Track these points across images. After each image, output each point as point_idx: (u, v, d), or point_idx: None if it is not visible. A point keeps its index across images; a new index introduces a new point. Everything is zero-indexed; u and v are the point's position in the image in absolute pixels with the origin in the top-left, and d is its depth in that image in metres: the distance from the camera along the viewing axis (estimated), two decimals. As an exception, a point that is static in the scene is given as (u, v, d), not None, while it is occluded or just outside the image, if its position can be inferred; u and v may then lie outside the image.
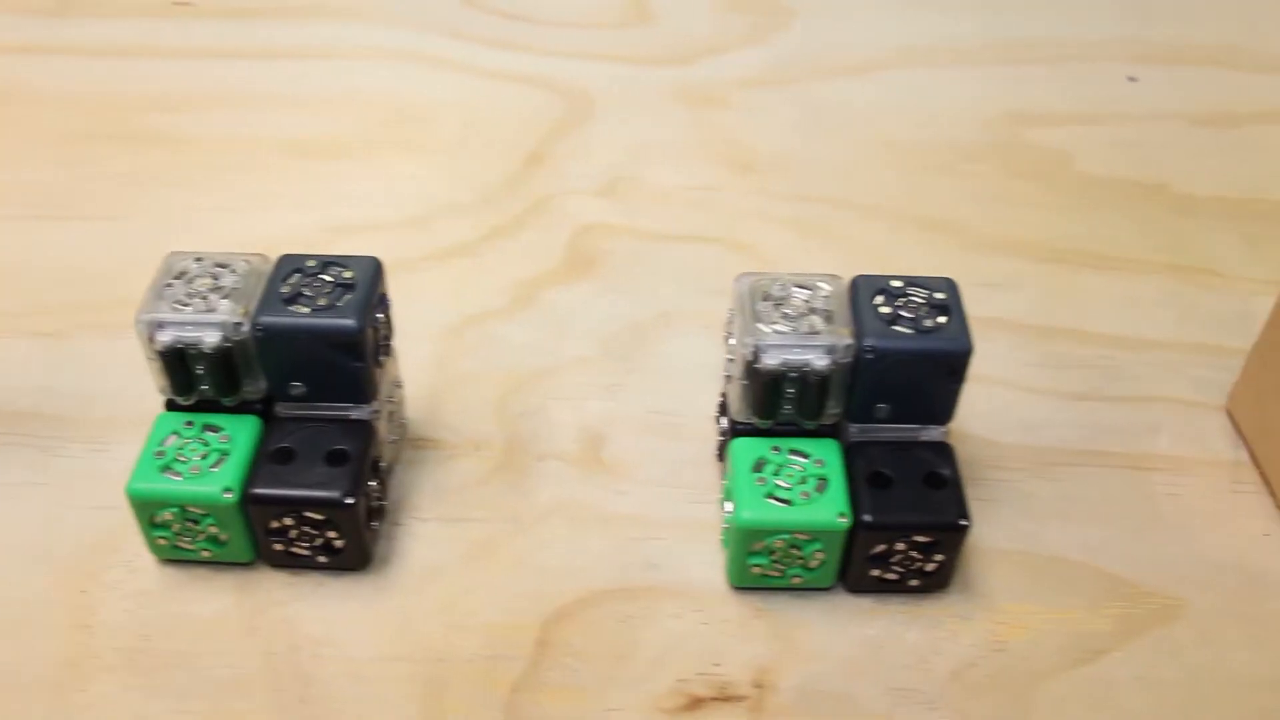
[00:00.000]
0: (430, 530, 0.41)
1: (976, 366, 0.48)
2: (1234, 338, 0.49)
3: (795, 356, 0.38)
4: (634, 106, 0.59)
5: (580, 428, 0.45)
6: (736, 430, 0.40)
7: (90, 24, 0.65)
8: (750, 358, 0.38)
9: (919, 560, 0.39)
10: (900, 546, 0.38)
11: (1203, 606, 0.41)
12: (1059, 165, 0.57)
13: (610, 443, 0.44)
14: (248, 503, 0.38)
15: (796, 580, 0.39)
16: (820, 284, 0.40)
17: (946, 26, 0.66)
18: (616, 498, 0.43)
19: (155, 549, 0.40)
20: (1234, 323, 0.50)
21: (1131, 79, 0.61)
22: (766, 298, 0.39)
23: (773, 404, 0.39)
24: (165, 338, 0.38)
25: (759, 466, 0.39)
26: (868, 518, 0.38)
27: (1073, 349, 0.49)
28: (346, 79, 0.61)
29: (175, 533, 0.39)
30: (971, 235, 0.54)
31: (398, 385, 0.43)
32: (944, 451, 0.40)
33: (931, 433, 0.40)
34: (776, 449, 0.39)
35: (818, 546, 0.38)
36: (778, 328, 0.38)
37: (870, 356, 0.38)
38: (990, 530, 0.42)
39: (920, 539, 0.38)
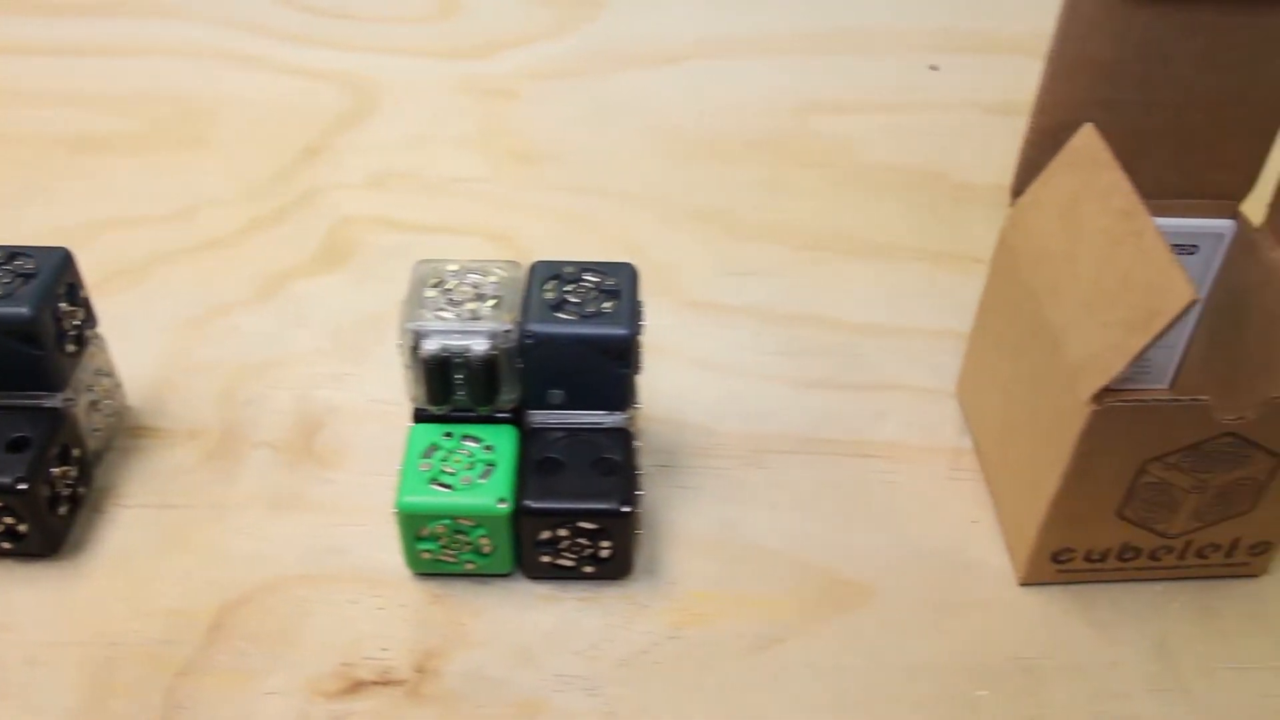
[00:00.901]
0: (130, 516, 0.42)
1: (709, 355, 0.48)
2: (984, 325, 0.49)
3: (455, 342, 0.38)
4: (422, 100, 0.60)
5: (299, 416, 0.45)
6: (418, 416, 0.40)
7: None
8: (411, 343, 0.38)
9: (589, 547, 0.39)
10: (564, 533, 0.38)
11: (894, 594, 0.41)
12: (841, 154, 0.57)
13: (325, 431, 0.44)
14: (-74, 490, 0.39)
15: (470, 566, 0.39)
16: (495, 270, 0.40)
17: (757, 17, 0.66)
18: (320, 485, 0.43)
19: None
20: (988, 310, 0.50)
21: (933, 68, 0.61)
22: (437, 284, 0.39)
23: (443, 389, 0.39)
24: None
25: (429, 452, 0.39)
26: (528, 503, 0.38)
27: (818, 336, 0.49)
28: (143, 75, 0.61)
29: None
30: (738, 224, 0.53)
31: (104, 374, 0.43)
32: (620, 438, 0.40)
33: (615, 419, 0.40)
34: (449, 435, 0.39)
35: (483, 532, 0.38)
36: (441, 314, 0.38)
37: (530, 342, 0.38)
38: (690, 518, 0.42)
39: (585, 525, 0.38)
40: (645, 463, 0.44)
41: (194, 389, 0.46)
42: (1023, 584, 0.41)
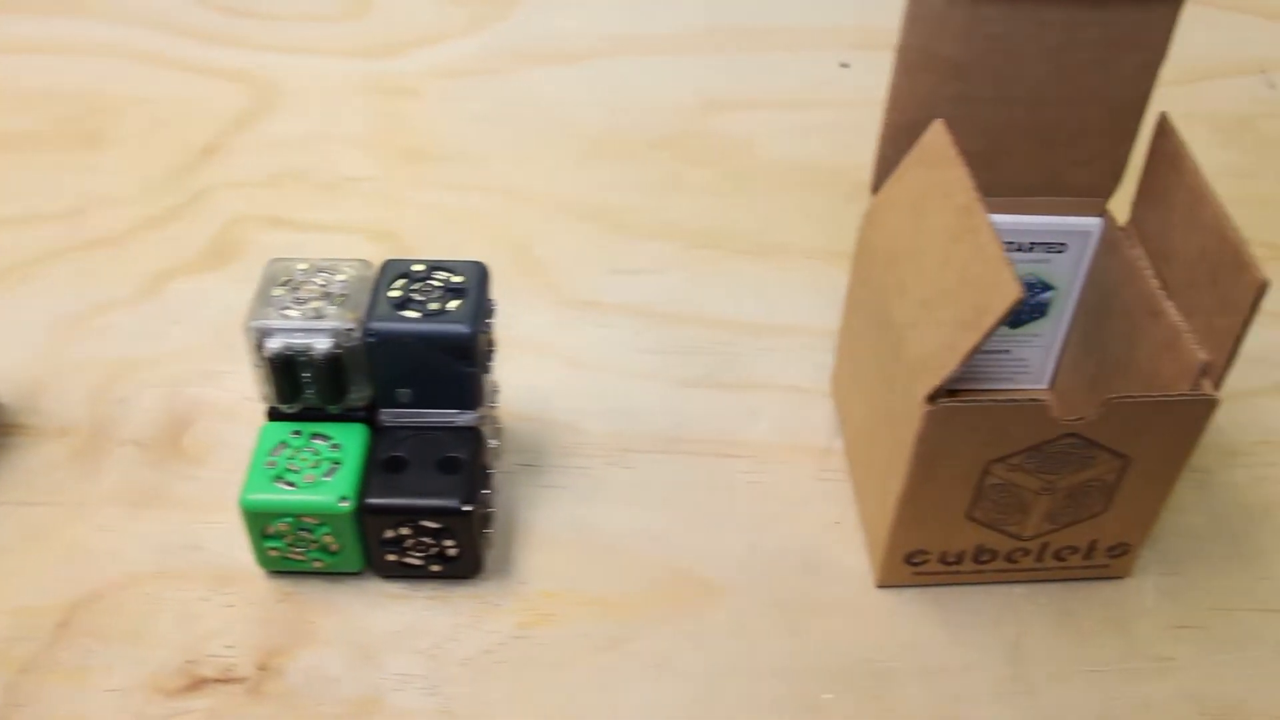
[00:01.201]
0: (-10, 514, 0.42)
1: (585, 354, 0.48)
2: (868, 324, 0.48)
3: (298, 340, 0.38)
4: (324, 99, 0.59)
5: (169, 414, 0.45)
6: (272, 415, 0.40)
7: None
8: (256, 342, 0.38)
9: (434, 545, 0.39)
10: (407, 531, 0.38)
11: (748, 595, 0.40)
12: (742, 152, 0.57)
13: (195, 429, 0.44)
14: None
15: (319, 564, 0.39)
16: (343, 268, 0.40)
17: (674, 14, 0.65)
18: (184, 482, 0.43)
19: None
20: (874, 309, 0.49)
21: (844, 65, 0.60)
22: (286, 282, 0.39)
23: (290, 388, 0.39)
24: None
25: (277, 450, 0.39)
26: (369, 501, 0.38)
27: (699, 335, 0.48)
28: (47, 74, 0.61)
29: None
30: (630, 222, 0.53)
31: (-32, 372, 0.43)
32: (468, 437, 0.39)
33: (466, 418, 0.40)
34: (298, 433, 0.39)
35: (327, 530, 0.38)
36: (286, 312, 0.38)
37: (372, 340, 0.38)
38: (549, 517, 0.42)
39: (427, 524, 0.38)
40: (509, 461, 0.43)
41: (68, 387, 0.46)
42: (879, 586, 0.41)
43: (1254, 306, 0.34)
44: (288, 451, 0.39)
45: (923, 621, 0.40)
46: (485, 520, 0.40)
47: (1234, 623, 0.40)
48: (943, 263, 0.36)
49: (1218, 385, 0.36)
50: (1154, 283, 0.39)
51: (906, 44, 0.38)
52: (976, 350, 0.34)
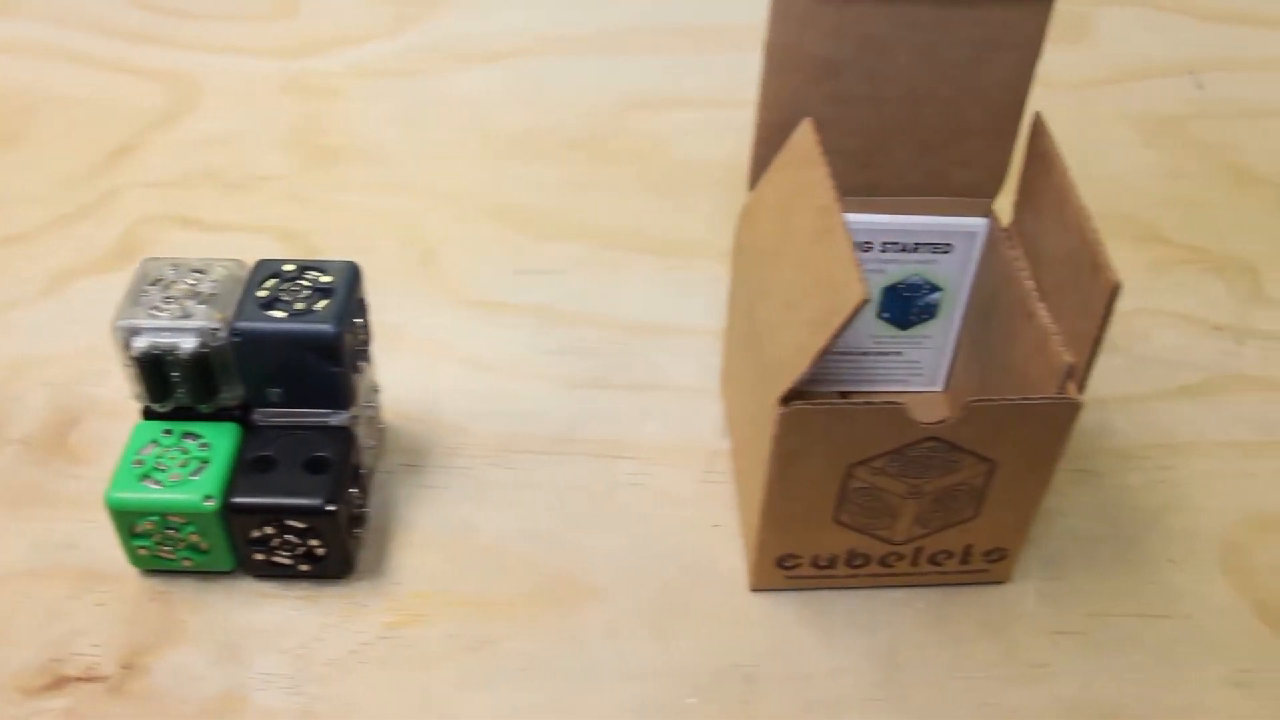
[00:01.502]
0: None
1: (481, 354, 0.48)
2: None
3: (164, 340, 0.38)
4: (244, 98, 0.60)
5: (58, 413, 0.45)
6: (147, 414, 0.40)
7: None
8: (123, 341, 0.38)
9: (300, 545, 0.39)
10: (272, 530, 0.38)
11: (622, 598, 0.40)
12: (658, 152, 0.56)
13: (82, 427, 0.44)
14: None
15: (188, 563, 0.39)
16: (216, 268, 0.40)
17: (595, 14, 0.65)
18: (67, 480, 0.43)
19: None
20: (776, 311, 0.49)
21: (768, 65, 0.60)
22: (157, 281, 0.39)
23: (160, 387, 0.39)
24: None
25: (146, 449, 0.39)
26: (233, 500, 0.38)
27: (598, 336, 0.48)
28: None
29: None
30: (539, 222, 0.53)
31: None
32: (339, 437, 0.39)
33: (339, 418, 0.40)
34: (168, 432, 0.39)
35: (193, 529, 0.38)
36: (154, 311, 0.38)
37: (238, 339, 0.38)
38: (428, 518, 0.42)
39: (292, 523, 0.38)
40: (392, 462, 0.43)
41: (-39, 385, 0.46)
42: (753, 590, 0.41)
43: (1108, 309, 0.34)
44: (157, 450, 0.39)
45: (795, 626, 0.39)
46: (356, 520, 0.40)
47: (1114, 628, 0.39)
48: (802, 264, 0.36)
49: (1081, 387, 0.36)
50: (1029, 284, 0.39)
51: (773, 42, 0.38)
52: (825, 352, 0.33)
